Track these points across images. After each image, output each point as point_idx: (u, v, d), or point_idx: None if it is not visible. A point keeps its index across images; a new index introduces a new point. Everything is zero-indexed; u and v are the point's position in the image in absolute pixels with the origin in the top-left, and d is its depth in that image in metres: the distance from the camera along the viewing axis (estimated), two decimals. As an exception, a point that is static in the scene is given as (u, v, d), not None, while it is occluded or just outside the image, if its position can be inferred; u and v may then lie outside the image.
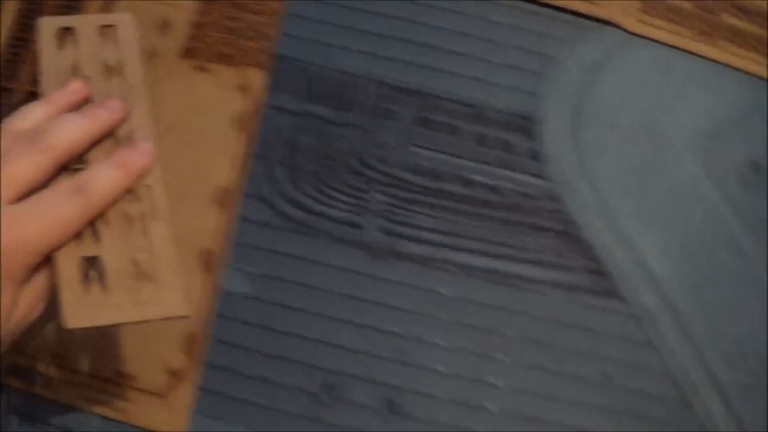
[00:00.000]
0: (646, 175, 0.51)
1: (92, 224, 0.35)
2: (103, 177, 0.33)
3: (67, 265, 0.35)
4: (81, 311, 0.35)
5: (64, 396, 0.45)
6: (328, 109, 0.50)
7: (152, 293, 0.36)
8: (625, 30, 0.53)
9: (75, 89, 0.36)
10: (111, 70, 0.41)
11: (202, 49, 0.51)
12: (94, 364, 0.45)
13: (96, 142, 0.35)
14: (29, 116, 0.34)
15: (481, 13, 0.52)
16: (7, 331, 0.32)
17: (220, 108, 0.49)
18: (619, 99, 0.52)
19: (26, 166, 0.32)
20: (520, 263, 0.48)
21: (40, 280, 0.33)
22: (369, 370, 0.45)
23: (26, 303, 0.33)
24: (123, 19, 0.43)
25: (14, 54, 0.51)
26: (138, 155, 0.35)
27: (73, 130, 0.33)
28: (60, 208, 0.31)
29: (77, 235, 0.34)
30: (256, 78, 0.50)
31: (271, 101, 0.50)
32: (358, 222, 0.48)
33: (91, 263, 0.35)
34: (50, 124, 0.33)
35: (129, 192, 0.35)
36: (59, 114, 0.35)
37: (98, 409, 0.44)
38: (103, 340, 0.45)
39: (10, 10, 0.52)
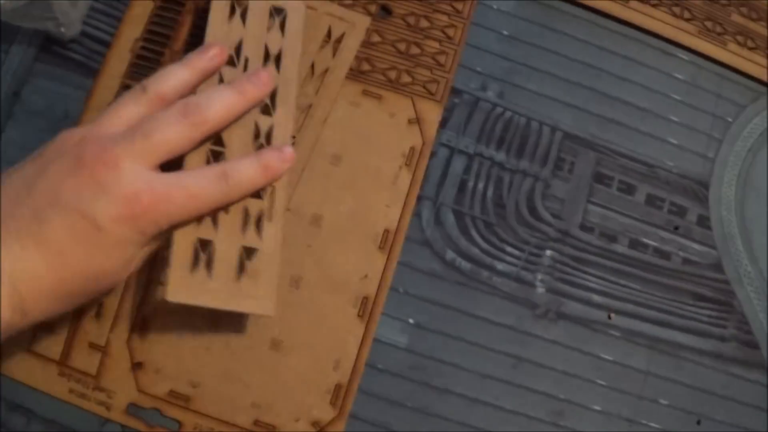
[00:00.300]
0: (801, 247, 0.51)
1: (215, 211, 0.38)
2: (247, 172, 0.36)
3: (183, 243, 0.38)
4: (183, 288, 0.38)
5: (194, 444, 0.43)
6: (501, 152, 0.48)
7: (249, 288, 0.39)
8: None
9: (214, 54, 0.37)
10: (270, 57, 0.42)
11: (372, 72, 0.48)
12: (227, 411, 0.44)
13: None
14: (171, 79, 0.35)
15: (665, 68, 0.50)
16: (116, 282, 0.35)
17: (389, 140, 0.47)
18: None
19: (178, 136, 0.34)
20: (678, 331, 0.48)
21: (151, 247, 0.35)
22: (520, 430, 0.45)
23: (135, 265, 0.35)
24: (295, 7, 0.43)
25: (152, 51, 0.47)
26: (281, 161, 0.37)
27: (225, 106, 0.35)
28: (204, 189, 0.34)
29: (199, 218, 0.37)
30: (430, 111, 0.47)
31: (441, 138, 0.48)
32: (526, 278, 0.47)
33: (204, 246, 0.38)
34: (204, 97, 0.35)
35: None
36: (198, 78, 0.36)
37: (233, 460, 0.43)
38: (238, 386, 0.44)
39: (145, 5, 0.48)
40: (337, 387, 0.44)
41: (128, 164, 0.33)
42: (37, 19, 0.45)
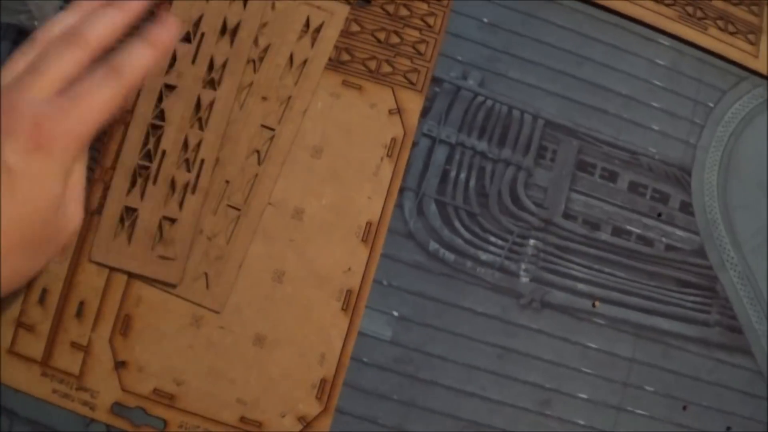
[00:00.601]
0: (785, 230, 0.51)
1: (144, 181, 0.42)
2: (136, 55, 0.34)
3: (112, 209, 0.43)
4: (106, 251, 0.43)
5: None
6: (483, 141, 0.48)
7: (163, 257, 0.42)
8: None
9: None
10: (226, 30, 0.45)
11: (352, 62, 0.47)
12: (213, 408, 0.43)
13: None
14: (58, 23, 0.35)
15: (646, 54, 0.50)
16: (70, 218, 0.34)
17: (370, 131, 0.46)
18: (763, 154, 0.51)
19: (64, 64, 0.33)
20: (662, 317, 0.48)
21: (79, 174, 0.35)
22: (508, 420, 0.45)
23: (73, 201, 0.34)
24: None
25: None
26: (166, 30, 0.35)
27: (105, 23, 0.34)
28: (98, 92, 0.33)
29: (129, 186, 0.41)
30: (411, 101, 0.47)
31: (423, 128, 0.47)
32: (510, 268, 0.47)
33: (129, 214, 0.43)
34: (82, 22, 0.34)
35: (185, 161, 0.42)
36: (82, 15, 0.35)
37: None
38: (222, 383, 0.43)
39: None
40: (323, 381, 0.44)
41: (24, 101, 0.32)
42: (11, 12, 0.44)
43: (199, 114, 0.43)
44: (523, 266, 0.47)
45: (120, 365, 0.43)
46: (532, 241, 0.47)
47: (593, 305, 0.47)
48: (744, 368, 0.49)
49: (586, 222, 0.48)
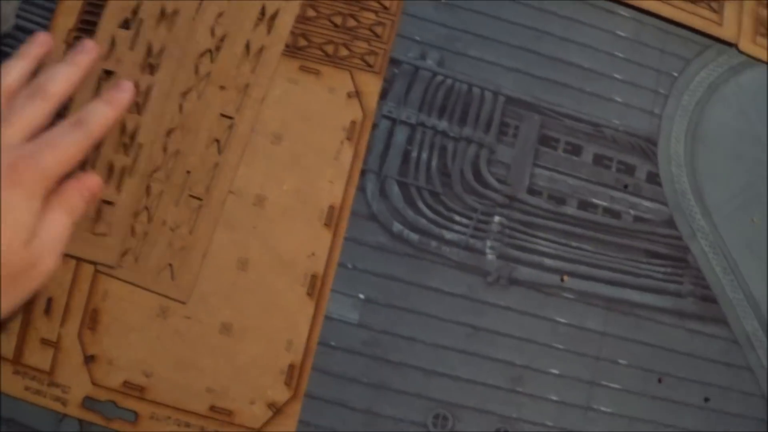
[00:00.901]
0: (753, 200, 0.50)
1: (83, 165, 0.43)
2: (97, 111, 0.40)
3: None
4: None
5: (148, 433, 0.43)
6: (443, 120, 0.48)
7: (100, 238, 0.44)
8: (739, 50, 0.51)
9: (42, 41, 0.42)
10: (165, 16, 0.46)
11: (309, 48, 0.47)
12: (183, 398, 0.43)
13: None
14: (12, 71, 0.40)
15: (607, 26, 0.49)
16: (34, 257, 0.37)
17: (329, 116, 0.46)
18: (730, 121, 0.51)
19: (33, 114, 0.38)
20: (633, 290, 0.48)
21: (55, 224, 0.38)
22: (480, 399, 0.45)
23: (49, 248, 0.38)
24: None
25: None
26: (122, 92, 0.41)
27: (65, 78, 0.40)
28: (66, 139, 0.38)
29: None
30: (370, 83, 0.47)
31: (383, 110, 0.47)
32: (475, 246, 0.46)
33: None
34: (44, 77, 0.40)
35: (123, 145, 0.44)
36: (34, 64, 0.41)
37: (190, 447, 0.43)
38: (191, 373, 0.43)
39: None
40: (291, 367, 0.44)
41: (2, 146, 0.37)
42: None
43: (137, 98, 0.43)
44: (488, 244, 0.46)
45: (89, 359, 0.43)
46: (496, 218, 0.47)
47: (561, 280, 0.47)
48: (719, 338, 0.49)
49: (552, 197, 0.48)
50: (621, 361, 0.47)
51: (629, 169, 0.49)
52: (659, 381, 0.47)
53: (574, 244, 0.47)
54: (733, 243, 0.49)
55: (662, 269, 0.48)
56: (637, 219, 0.48)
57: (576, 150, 0.48)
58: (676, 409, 0.47)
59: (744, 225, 0.49)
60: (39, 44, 0.42)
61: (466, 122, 0.47)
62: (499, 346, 0.46)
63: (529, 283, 0.46)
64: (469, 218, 0.46)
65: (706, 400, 0.48)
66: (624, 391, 0.47)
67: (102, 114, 0.41)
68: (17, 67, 0.41)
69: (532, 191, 0.47)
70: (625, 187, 0.48)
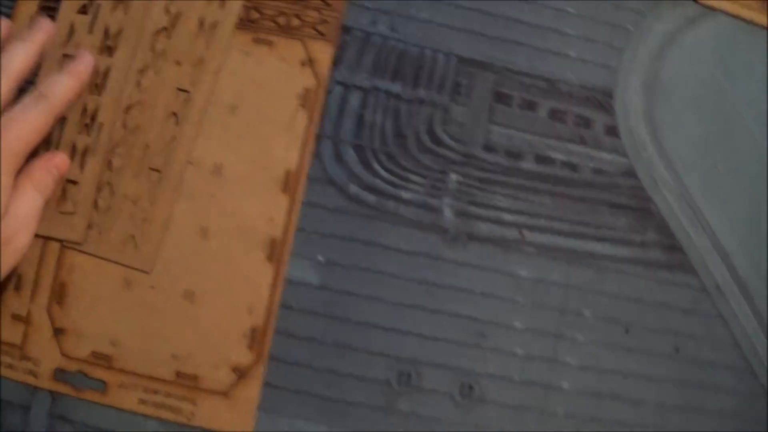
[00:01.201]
0: (716, 149, 0.50)
1: (47, 147, 0.44)
2: (59, 83, 0.42)
3: None
4: None
5: (117, 401, 0.44)
6: (396, 83, 0.48)
7: (66, 216, 0.45)
8: (695, 1, 0.51)
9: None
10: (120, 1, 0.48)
11: (261, 20, 0.48)
12: (149, 365, 0.44)
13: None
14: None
15: (556, -18, 0.50)
16: (6, 233, 0.39)
17: (283, 85, 0.47)
18: (689, 72, 0.51)
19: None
20: (596, 241, 0.48)
21: (26, 201, 0.41)
22: (444, 355, 0.45)
23: (21, 225, 0.41)
24: None
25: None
26: (82, 63, 0.44)
27: (24, 55, 0.41)
28: (30, 113, 0.39)
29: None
30: (322, 51, 0.48)
31: (336, 76, 0.48)
32: (432, 204, 0.47)
33: None
34: (3, 57, 0.41)
35: (84, 125, 0.45)
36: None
37: (156, 413, 0.44)
38: (156, 340, 0.44)
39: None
40: (253, 331, 0.44)
41: None
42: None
43: (96, 80, 0.45)
44: (446, 201, 0.47)
45: (58, 332, 0.44)
46: (453, 176, 0.47)
47: (520, 234, 0.47)
48: (688, 287, 0.48)
49: (508, 153, 0.48)
50: (586, 312, 0.47)
51: (586, 123, 0.49)
52: (626, 332, 0.47)
53: (532, 198, 0.47)
54: (697, 192, 0.49)
55: (624, 220, 0.48)
56: (597, 171, 0.48)
57: (531, 105, 0.49)
58: (646, 359, 0.47)
59: (708, 173, 0.49)
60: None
61: (420, 84, 0.48)
62: (460, 302, 0.46)
63: (488, 238, 0.47)
64: (425, 177, 0.47)
65: (677, 350, 0.47)
66: (591, 343, 0.47)
67: (63, 85, 0.42)
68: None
69: (488, 148, 0.48)
70: (584, 140, 0.48)
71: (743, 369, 0.49)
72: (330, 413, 0.45)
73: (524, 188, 0.48)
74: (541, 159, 0.48)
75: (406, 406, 0.45)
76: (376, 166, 0.47)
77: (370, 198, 0.46)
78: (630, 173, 0.49)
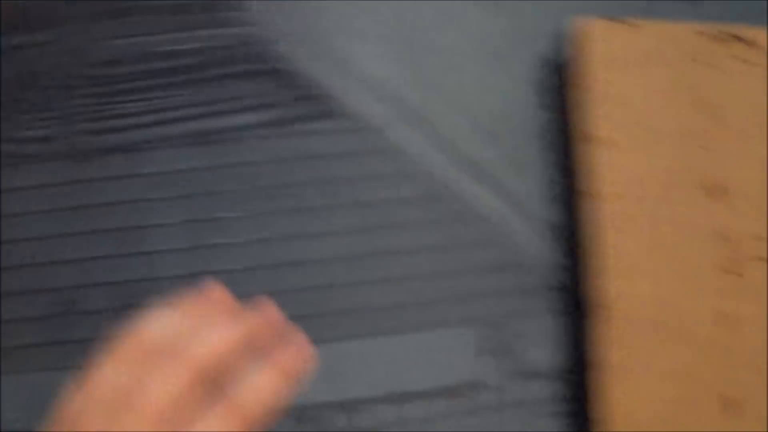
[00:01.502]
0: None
1: None
2: (260, 389, 0.27)
3: None
4: None
5: None
6: (16, 36, 0.49)
7: None
8: None
9: (215, 293, 0.31)
10: None
11: None
12: None
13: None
14: (159, 325, 0.28)
15: None
16: None
17: None
18: None
19: (163, 386, 0.26)
20: (231, 115, 0.46)
21: None
22: (106, 274, 0.45)
23: None
24: None
25: None
26: (300, 353, 0.29)
27: (215, 341, 0.27)
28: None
29: None
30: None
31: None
32: (58, 133, 0.47)
33: None
34: (190, 335, 0.28)
35: None
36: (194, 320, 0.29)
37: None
38: None
39: None
40: None
41: None
42: None
43: None
44: (77, 126, 0.47)
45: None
46: (84, 100, 0.48)
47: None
48: (341, 131, 0.45)
49: (136, 60, 0.48)
50: (236, 189, 0.45)
51: (208, 5, 0.48)
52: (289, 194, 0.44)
53: (170, 93, 0.47)
54: (333, 32, 0.46)
55: (257, 86, 0.46)
56: (227, 47, 0.47)
57: (149, 9, 0.48)
58: (325, 213, 0.44)
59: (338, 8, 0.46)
60: (205, 296, 0.31)
61: (35, 30, 0.49)
62: (105, 217, 0.45)
63: (120, 146, 0.46)
64: (60, 110, 0.48)
65: (352, 195, 0.44)
66: (250, 216, 0.45)
67: (268, 392, 0.28)
68: (169, 320, 0.28)
69: (115, 62, 0.48)
70: (208, 23, 0.47)
71: (429, 196, 0.44)
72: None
73: (155, 87, 0.47)
74: (169, 54, 0.48)
75: (73, 333, 0.45)
76: (15, 116, 0.48)
77: (7, 147, 0.47)
78: (261, 40, 0.47)
